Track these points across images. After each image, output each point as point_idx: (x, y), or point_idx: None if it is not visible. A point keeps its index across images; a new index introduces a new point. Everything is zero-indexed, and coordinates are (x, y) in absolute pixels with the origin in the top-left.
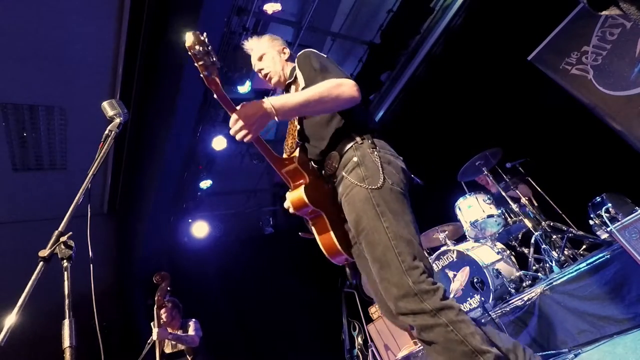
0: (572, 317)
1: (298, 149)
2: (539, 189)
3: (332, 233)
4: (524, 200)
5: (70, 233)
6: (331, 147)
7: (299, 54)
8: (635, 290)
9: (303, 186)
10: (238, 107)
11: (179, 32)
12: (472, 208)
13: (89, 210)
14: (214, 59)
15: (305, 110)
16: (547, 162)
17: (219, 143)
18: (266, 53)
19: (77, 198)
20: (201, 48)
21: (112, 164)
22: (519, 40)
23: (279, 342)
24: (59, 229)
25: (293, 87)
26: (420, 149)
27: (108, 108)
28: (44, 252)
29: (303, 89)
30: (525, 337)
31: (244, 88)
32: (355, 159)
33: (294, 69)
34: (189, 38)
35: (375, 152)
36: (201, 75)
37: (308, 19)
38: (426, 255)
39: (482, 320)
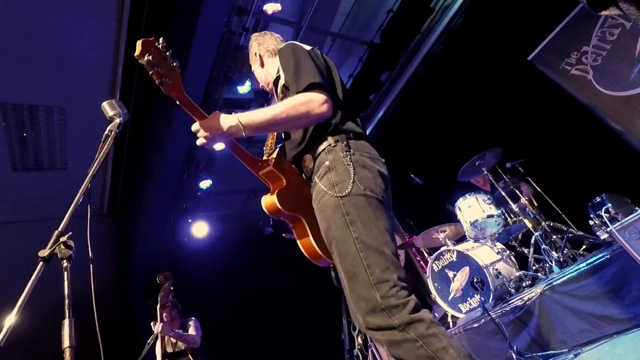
0: (572, 317)
1: (277, 150)
2: (539, 189)
3: (310, 237)
4: (524, 200)
5: (70, 233)
6: (306, 150)
7: (280, 47)
8: (635, 290)
9: (277, 190)
10: (210, 116)
11: (180, 31)
12: (472, 208)
13: (89, 210)
14: (174, 63)
15: (273, 128)
16: (547, 162)
17: (219, 143)
18: (251, 62)
19: (77, 198)
20: (152, 57)
21: (112, 164)
22: (519, 40)
23: (278, 341)
24: (59, 229)
25: (279, 83)
26: (421, 149)
27: (108, 108)
28: (44, 252)
29: (284, 85)
30: (525, 337)
31: (244, 88)
32: (327, 162)
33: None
34: (137, 48)
35: (349, 156)
36: (157, 84)
37: (308, 19)
38: (400, 265)
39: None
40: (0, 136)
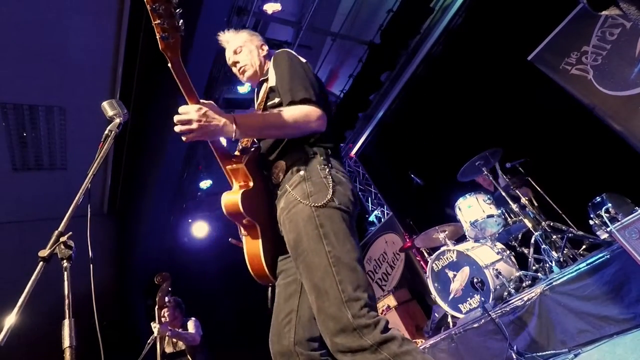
0: (572, 317)
1: (253, 149)
2: (539, 189)
3: (261, 248)
4: (524, 200)
5: (70, 233)
6: (281, 156)
7: (276, 52)
8: (635, 290)
9: (242, 191)
10: (202, 101)
11: None
12: (472, 208)
13: (89, 210)
14: (179, 24)
15: (264, 134)
16: (547, 162)
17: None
18: (243, 46)
19: (77, 198)
20: (164, 6)
21: (112, 164)
22: (519, 40)
23: None
24: (59, 229)
25: (265, 85)
26: (420, 149)
27: (108, 108)
28: (44, 252)
29: (270, 87)
30: (525, 337)
31: (244, 88)
32: (302, 172)
33: (269, 67)
34: None
35: (327, 169)
36: (157, 37)
37: (308, 19)
38: (370, 283)
39: None
40: (0, 136)
